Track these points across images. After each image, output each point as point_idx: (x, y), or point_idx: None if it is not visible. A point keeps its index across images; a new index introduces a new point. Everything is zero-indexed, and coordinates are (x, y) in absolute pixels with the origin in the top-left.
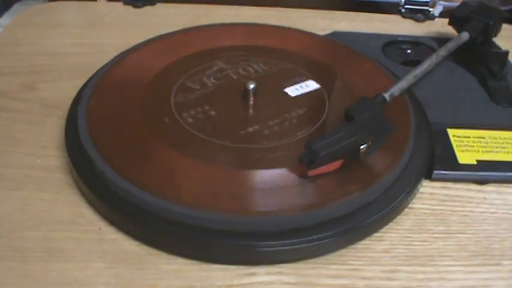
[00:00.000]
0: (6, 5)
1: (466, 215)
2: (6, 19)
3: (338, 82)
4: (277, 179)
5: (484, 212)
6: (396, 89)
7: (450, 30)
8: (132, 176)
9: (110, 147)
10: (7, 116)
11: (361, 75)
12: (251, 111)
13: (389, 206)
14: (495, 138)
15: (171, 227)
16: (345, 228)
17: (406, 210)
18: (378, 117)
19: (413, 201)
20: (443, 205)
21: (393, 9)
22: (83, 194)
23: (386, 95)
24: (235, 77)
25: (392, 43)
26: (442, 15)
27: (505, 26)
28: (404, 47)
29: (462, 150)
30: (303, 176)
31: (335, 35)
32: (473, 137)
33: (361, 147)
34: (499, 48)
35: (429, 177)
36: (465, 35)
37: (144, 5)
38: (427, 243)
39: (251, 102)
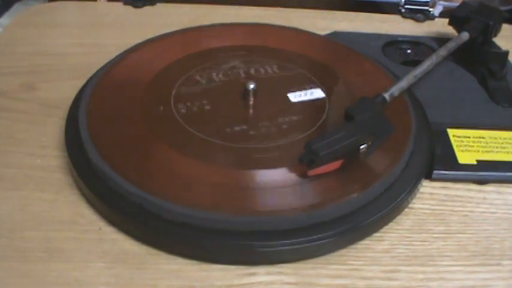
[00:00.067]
0: (6, 5)
1: (466, 215)
2: (6, 19)
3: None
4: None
5: (484, 212)
6: (396, 89)
7: (450, 30)
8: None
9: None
10: (7, 116)
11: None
12: (251, 111)
13: (389, 206)
14: (495, 138)
15: (171, 227)
16: (345, 228)
17: (406, 210)
18: (378, 117)
19: (413, 201)
20: (443, 205)
21: (393, 9)
22: (83, 194)
23: (386, 95)
24: (235, 77)
25: (392, 43)
26: (442, 15)
27: (505, 26)
28: (404, 47)
29: (462, 150)
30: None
31: (335, 35)
32: (473, 137)
33: (361, 147)
34: (499, 48)
35: (429, 177)
36: (465, 35)
37: (144, 5)
38: (427, 243)
39: (251, 102)
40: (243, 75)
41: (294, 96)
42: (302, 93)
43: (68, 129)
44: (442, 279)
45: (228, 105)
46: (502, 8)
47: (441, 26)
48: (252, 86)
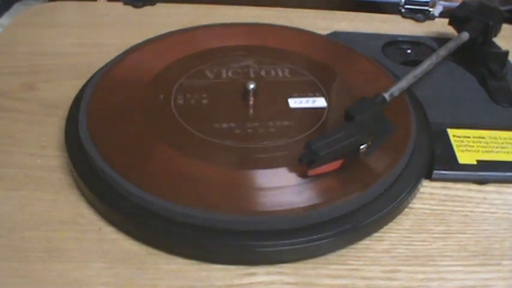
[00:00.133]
0: (6, 5)
1: (466, 215)
2: (6, 19)
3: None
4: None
5: (484, 212)
6: (396, 89)
7: (450, 30)
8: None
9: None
10: (7, 116)
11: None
12: (251, 111)
13: (389, 206)
14: (495, 138)
15: (171, 227)
16: (345, 228)
17: (406, 210)
18: (378, 117)
19: (413, 201)
20: (443, 205)
21: (393, 9)
22: (83, 194)
23: (386, 95)
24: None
25: (392, 43)
26: (442, 15)
27: (505, 26)
28: (404, 47)
29: (462, 150)
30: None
31: (335, 35)
32: (473, 137)
33: (361, 147)
34: (499, 48)
35: (429, 177)
36: (465, 35)
37: (144, 5)
38: (427, 243)
39: (251, 103)
40: (243, 75)
41: (294, 102)
42: (303, 99)
43: (68, 129)
44: (442, 279)
45: (228, 105)
46: (502, 8)
47: (441, 26)
48: (252, 86)
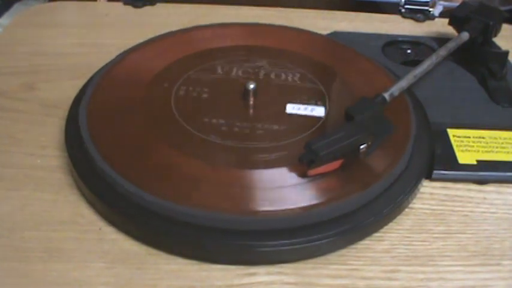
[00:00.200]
0: (6, 5)
1: (466, 215)
2: (6, 19)
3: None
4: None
5: (484, 212)
6: (396, 88)
7: (450, 30)
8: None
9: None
10: (7, 116)
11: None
12: (251, 111)
13: (389, 206)
14: (495, 138)
15: (171, 227)
16: (345, 228)
17: (406, 210)
18: (378, 117)
19: (414, 201)
20: (443, 205)
21: (393, 9)
22: (83, 194)
23: (386, 95)
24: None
25: (392, 43)
26: (442, 15)
27: (505, 26)
28: (404, 47)
29: (462, 150)
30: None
31: (335, 35)
32: (473, 137)
33: (361, 147)
34: (499, 48)
35: (429, 177)
36: (465, 35)
37: (144, 5)
38: (427, 243)
39: (251, 103)
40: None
41: (292, 108)
42: (302, 106)
43: (68, 129)
44: (442, 279)
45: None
46: (502, 8)
47: (441, 26)
48: (252, 86)
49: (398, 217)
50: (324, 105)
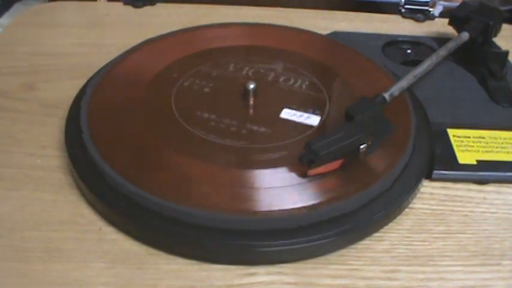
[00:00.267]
0: (6, 5)
1: (466, 215)
2: (6, 19)
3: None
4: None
5: (484, 212)
6: (396, 88)
7: (450, 30)
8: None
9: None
10: (7, 116)
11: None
12: (251, 111)
13: (389, 206)
14: (495, 138)
15: (171, 227)
16: (345, 228)
17: (406, 210)
18: (378, 117)
19: (413, 201)
20: (443, 205)
21: (393, 9)
22: (83, 194)
23: (386, 95)
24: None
25: (392, 43)
26: (442, 15)
27: (505, 26)
28: (404, 47)
29: (462, 150)
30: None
31: (335, 35)
32: (473, 137)
33: (361, 147)
34: (499, 48)
35: (429, 177)
36: (465, 35)
37: (144, 5)
38: (427, 243)
39: (251, 103)
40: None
41: (288, 114)
42: (297, 113)
43: (68, 129)
44: (442, 279)
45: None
46: (502, 8)
47: (441, 26)
48: (252, 86)
49: (398, 217)
50: (320, 114)
